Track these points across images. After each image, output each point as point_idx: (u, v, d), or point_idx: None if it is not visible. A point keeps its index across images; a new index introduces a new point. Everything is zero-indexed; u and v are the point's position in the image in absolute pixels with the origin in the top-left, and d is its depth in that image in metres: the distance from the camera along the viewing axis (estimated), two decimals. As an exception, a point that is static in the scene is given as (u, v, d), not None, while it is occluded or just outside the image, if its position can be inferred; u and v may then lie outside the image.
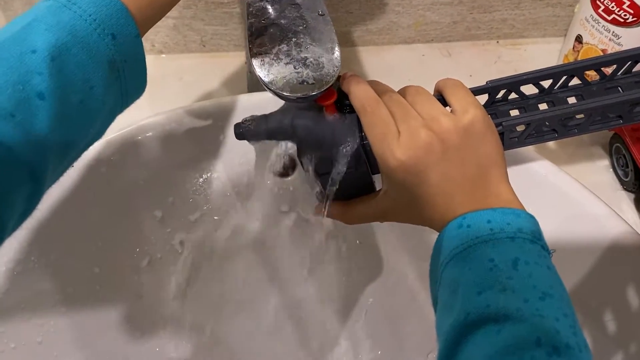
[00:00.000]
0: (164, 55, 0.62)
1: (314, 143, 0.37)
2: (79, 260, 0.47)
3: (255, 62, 0.37)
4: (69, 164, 0.33)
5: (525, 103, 0.43)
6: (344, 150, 0.37)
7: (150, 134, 0.48)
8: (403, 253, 0.53)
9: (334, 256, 0.55)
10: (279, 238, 0.54)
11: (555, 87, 0.43)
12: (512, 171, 0.47)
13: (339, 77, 0.37)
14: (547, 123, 0.42)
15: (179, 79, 0.60)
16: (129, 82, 0.33)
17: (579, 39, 0.56)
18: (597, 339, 0.45)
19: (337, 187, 0.38)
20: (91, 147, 0.34)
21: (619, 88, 0.43)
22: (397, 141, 0.34)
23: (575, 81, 0.43)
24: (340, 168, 0.37)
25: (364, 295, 0.56)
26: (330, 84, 0.36)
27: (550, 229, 0.47)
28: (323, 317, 0.56)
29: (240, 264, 0.55)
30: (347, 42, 0.63)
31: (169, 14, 0.37)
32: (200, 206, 0.52)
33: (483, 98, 0.43)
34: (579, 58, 0.57)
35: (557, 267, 0.47)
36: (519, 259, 0.30)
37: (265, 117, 0.38)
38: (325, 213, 0.40)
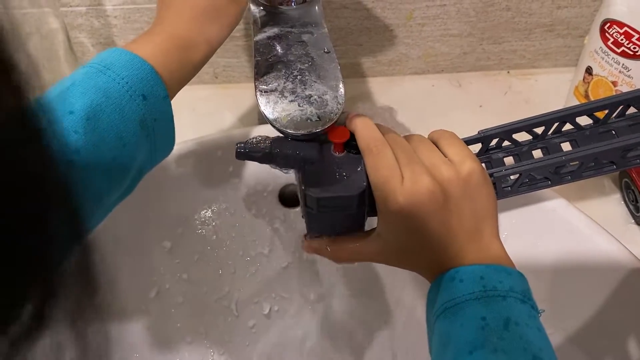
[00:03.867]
0: (177, 87, 0.64)
1: (318, 178, 0.37)
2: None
3: (261, 100, 0.38)
4: (101, 217, 0.35)
5: (518, 150, 0.44)
6: (348, 190, 0.37)
7: (160, 164, 0.49)
8: (412, 287, 0.53)
9: (342, 292, 0.55)
10: (286, 271, 0.54)
11: (549, 133, 0.43)
12: (521, 204, 0.47)
13: (343, 113, 0.38)
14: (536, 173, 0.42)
15: (191, 110, 0.61)
16: (158, 139, 0.36)
17: (589, 71, 0.56)
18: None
19: (330, 224, 0.38)
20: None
21: (613, 132, 0.43)
22: (400, 185, 0.34)
23: (569, 126, 0.43)
24: (341, 207, 0.37)
25: (376, 330, 0.56)
26: (333, 121, 0.37)
27: (558, 263, 0.47)
28: (336, 353, 0.56)
29: (250, 292, 0.55)
30: (357, 73, 0.64)
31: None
32: (208, 237, 0.52)
33: (477, 146, 0.43)
34: (589, 89, 0.57)
35: (566, 302, 0.46)
36: (510, 319, 0.31)
37: (271, 142, 0.38)
38: (314, 250, 0.41)
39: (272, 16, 0.44)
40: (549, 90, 0.64)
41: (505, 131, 0.42)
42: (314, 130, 0.36)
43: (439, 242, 0.34)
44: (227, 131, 0.54)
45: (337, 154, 0.38)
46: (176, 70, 0.36)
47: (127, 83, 0.33)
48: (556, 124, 0.43)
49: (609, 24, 0.52)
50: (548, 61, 0.66)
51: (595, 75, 0.56)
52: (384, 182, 0.35)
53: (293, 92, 0.38)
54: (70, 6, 0.56)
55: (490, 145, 0.44)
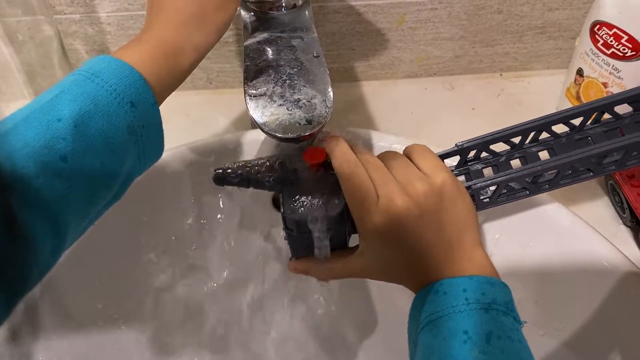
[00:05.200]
0: (171, 92, 0.64)
1: (297, 200, 0.38)
2: (83, 296, 0.47)
3: (250, 104, 0.38)
4: (90, 223, 0.36)
5: (497, 160, 0.44)
6: (327, 211, 0.37)
7: (154, 171, 0.49)
8: (405, 289, 0.53)
9: (336, 295, 0.55)
10: (280, 275, 0.54)
11: (526, 142, 0.44)
12: (514, 207, 0.48)
13: (321, 133, 0.38)
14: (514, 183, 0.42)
15: (185, 115, 0.62)
16: (146, 145, 0.36)
17: (580, 73, 0.57)
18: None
19: (312, 244, 0.39)
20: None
21: (589, 138, 0.43)
22: (375, 206, 0.34)
23: (546, 134, 0.43)
24: (321, 228, 0.37)
25: (369, 332, 0.56)
26: (322, 125, 0.37)
27: (551, 264, 0.47)
28: (330, 355, 0.56)
29: (243, 297, 0.55)
30: (349, 77, 0.65)
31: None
32: (202, 242, 0.52)
33: (456, 159, 0.43)
34: (581, 91, 0.57)
35: (558, 304, 0.46)
36: (492, 333, 0.31)
37: (248, 167, 0.39)
38: (300, 271, 0.41)
39: (262, 21, 0.44)
40: (542, 92, 0.64)
41: (483, 143, 0.42)
42: (302, 134, 0.36)
43: (420, 256, 0.35)
44: (220, 136, 0.54)
45: (314, 175, 0.38)
46: (165, 76, 0.36)
47: (115, 90, 0.33)
48: (533, 133, 0.43)
49: (598, 26, 0.52)
50: (540, 63, 0.66)
51: (586, 76, 0.56)
52: (360, 203, 0.35)
53: (282, 97, 0.38)
54: (64, 13, 0.57)
55: (469, 157, 0.44)
